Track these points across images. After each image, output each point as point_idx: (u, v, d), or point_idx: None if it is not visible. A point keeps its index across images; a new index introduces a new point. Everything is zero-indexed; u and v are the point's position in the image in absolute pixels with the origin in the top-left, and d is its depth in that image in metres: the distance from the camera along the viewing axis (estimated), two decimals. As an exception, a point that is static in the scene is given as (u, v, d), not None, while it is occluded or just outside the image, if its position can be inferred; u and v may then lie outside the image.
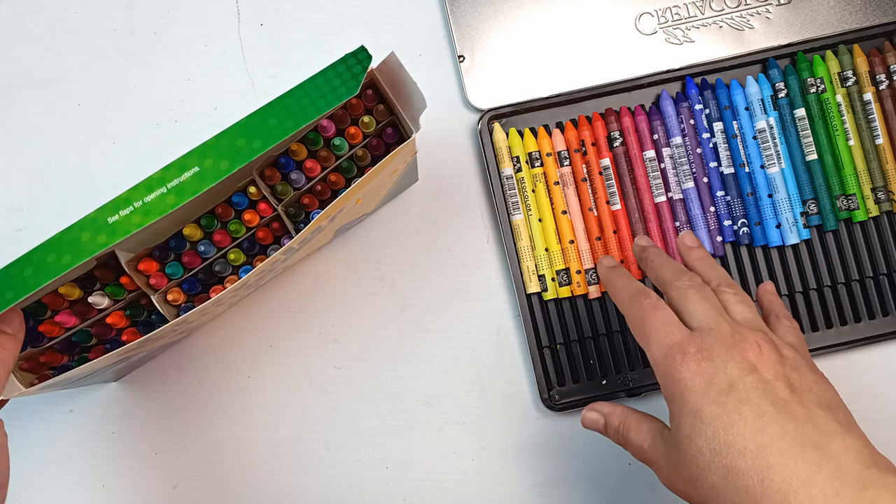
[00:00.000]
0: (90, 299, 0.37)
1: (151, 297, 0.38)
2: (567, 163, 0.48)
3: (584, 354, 0.47)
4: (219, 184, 0.37)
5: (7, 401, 0.38)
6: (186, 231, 0.38)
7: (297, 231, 0.39)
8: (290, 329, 0.48)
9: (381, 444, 0.47)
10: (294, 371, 0.48)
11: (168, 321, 0.37)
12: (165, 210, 0.34)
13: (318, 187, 0.39)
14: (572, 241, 0.47)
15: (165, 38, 0.50)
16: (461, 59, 0.49)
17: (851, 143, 0.47)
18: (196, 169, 0.34)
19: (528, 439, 0.47)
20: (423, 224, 0.49)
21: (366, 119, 0.39)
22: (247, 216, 0.39)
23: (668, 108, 0.48)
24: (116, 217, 0.33)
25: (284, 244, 0.39)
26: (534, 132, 0.48)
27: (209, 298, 0.36)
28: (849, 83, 0.48)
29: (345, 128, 0.39)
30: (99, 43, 0.50)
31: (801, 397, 0.31)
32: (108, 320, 0.38)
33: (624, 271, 0.40)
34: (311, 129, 0.39)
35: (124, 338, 0.38)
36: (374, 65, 0.38)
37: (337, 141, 0.39)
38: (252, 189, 0.38)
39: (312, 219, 0.39)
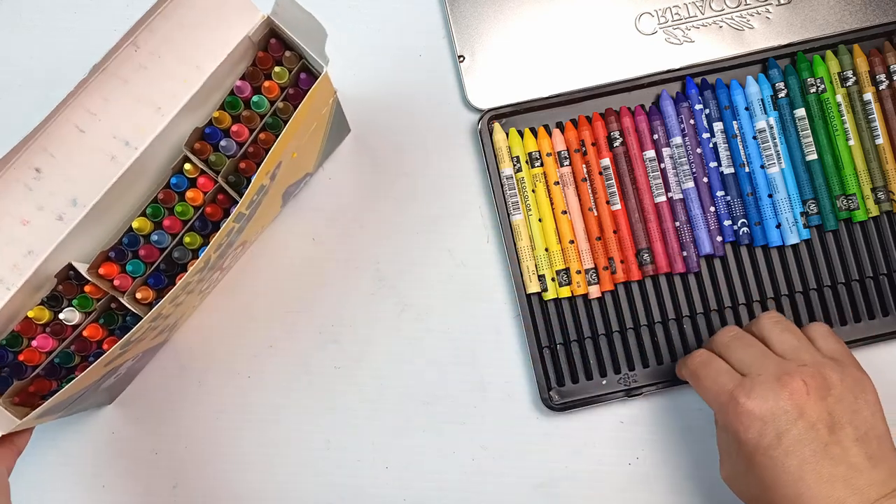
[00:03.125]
0: (61, 316, 0.37)
1: (121, 299, 0.37)
2: (567, 163, 0.48)
3: (583, 354, 0.47)
4: (156, 168, 0.37)
5: (28, 438, 0.38)
6: (136, 224, 0.37)
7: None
8: (290, 329, 0.48)
9: (381, 444, 0.47)
10: (294, 371, 0.48)
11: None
12: None
13: (251, 149, 0.39)
14: (572, 241, 0.47)
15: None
16: (461, 59, 0.49)
17: (851, 143, 0.47)
18: None
19: (528, 439, 0.47)
20: (423, 224, 0.49)
21: (277, 70, 0.39)
22: (189, 195, 0.38)
23: (668, 108, 0.48)
24: None
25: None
26: (534, 132, 0.48)
27: None
28: (849, 83, 0.48)
29: (259, 84, 0.39)
30: (99, 43, 0.50)
31: (839, 436, 0.36)
32: (86, 334, 0.37)
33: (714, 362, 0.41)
34: (228, 94, 0.38)
35: (105, 347, 0.38)
36: (267, 10, 0.37)
37: (255, 98, 0.38)
38: (188, 167, 0.38)
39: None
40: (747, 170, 0.47)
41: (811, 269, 0.47)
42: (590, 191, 0.48)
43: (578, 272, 0.47)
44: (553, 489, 0.47)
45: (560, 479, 0.47)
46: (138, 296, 0.38)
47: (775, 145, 0.47)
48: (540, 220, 0.47)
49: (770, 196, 0.47)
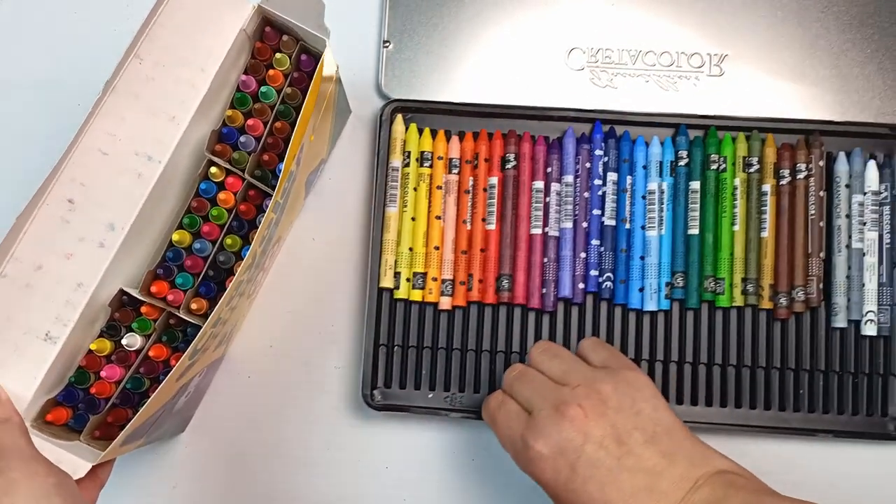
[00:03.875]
0: (123, 342, 0.37)
1: (177, 313, 0.37)
2: (456, 171, 0.47)
3: (418, 363, 0.47)
4: (183, 178, 0.37)
5: (110, 470, 0.37)
6: (176, 238, 0.38)
7: (273, 188, 0.39)
8: (290, 329, 0.48)
9: (381, 443, 0.47)
10: (294, 371, 0.47)
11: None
12: None
13: (270, 141, 0.39)
14: (437, 248, 0.47)
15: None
16: (386, 44, 0.49)
17: (736, 228, 0.47)
18: None
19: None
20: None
21: (278, 56, 0.39)
22: (221, 197, 0.38)
23: (570, 145, 0.47)
24: None
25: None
26: (434, 134, 0.48)
27: None
28: (752, 169, 0.47)
29: (263, 76, 0.39)
30: (99, 43, 0.49)
31: (628, 445, 0.36)
32: (151, 355, 0.37)
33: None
34: (235, 91, 0.39)
35: (173, 364, 0.38)
36: (257, 0, 0.38)
37: (263, 89, 0.39)
38: (213, 170, 0.38)
39: (280, 171, 0.38)
40: (628, 226, 0.47)
41: (662, 341, 0.47)
42: (469, 204, 0.47)
43: (434, 279, 0.47)
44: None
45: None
46: (193, 307, 0.38)
47: (661, 210, 0.47)
48: (413, 218, 0.47)
49: (642, 258, 0.47)
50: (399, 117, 0.48)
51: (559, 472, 0.36)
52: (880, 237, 0.47)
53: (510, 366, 0.42)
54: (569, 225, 0.47)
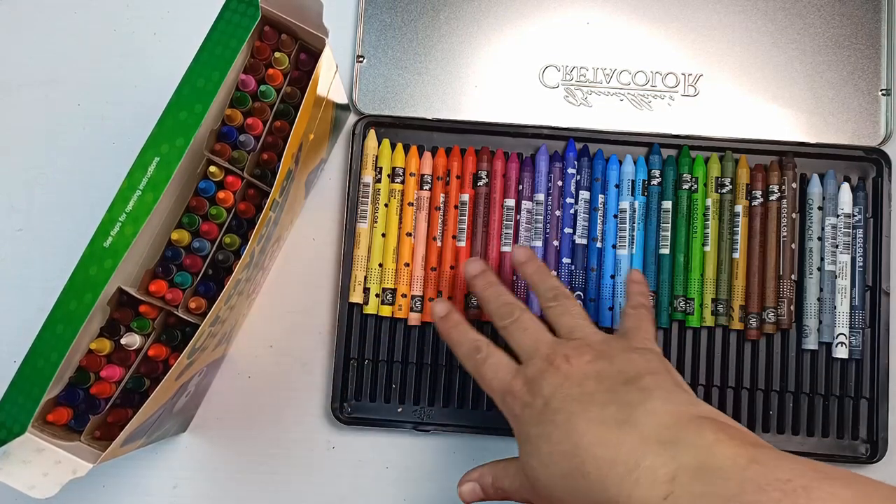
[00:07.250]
0: (123, 341, 0.37)
1: (176, 312, 0.37)
2: (427, 187, 0.47)
3: (389, 377, 0.47)
4: (182, 177, 0.37)
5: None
6: (174, 237, 0.38)
7: (272, 187, 0.39)
8: (290, 329, 0.48)
9: (382, 443, 0.47)
10: (294, 371, 0.47)
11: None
12: (150, 209, 0.34)
13: (269, 139, 0.39)
14: (408, 265, 0.47)
15: (165, 38, 0.50)
16: (360, 59, 0.49)
17: (707, 248, 0.46)
18: (157, 159, 0.35)
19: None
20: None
21: (277, 55, 0.39)
22: (220, 196, 0.38)
23: (542, 163, 0.47)
24: (110, 239, 0.34)
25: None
26: (406, 149, 0.48)
27: None
28: (724, 190, 0.47)
29: (262, 75, 0.39)
30: (99, 43, 0.50)
31: (607, 383, 0.34)
32: (151, 354, 0.37)
33: (456, 320, 0.40)
34: (234, 90, 0.39)
35: (172, 363, 0.37)
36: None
37: (262, 88, 0.39)
38: (212, 169, 0.38)
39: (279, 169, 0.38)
40: (599, 245, 0.47)
41: (631, 360, 0.46)
42: (440, 221, 0.47)
43: (404, 296, 0.46)
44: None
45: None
46: (191, 306, 0.37)
47: (632, 229, 0.47)
48: (383, 234, 0.47)
49: (612, 277, 0.46)
50: (372, 132, 0.48)
51: (532, 407, 0.34)
52: (853, 260, 0.46)
53: (489, 283, 0.41)
54: (539, 244, 0.47)
